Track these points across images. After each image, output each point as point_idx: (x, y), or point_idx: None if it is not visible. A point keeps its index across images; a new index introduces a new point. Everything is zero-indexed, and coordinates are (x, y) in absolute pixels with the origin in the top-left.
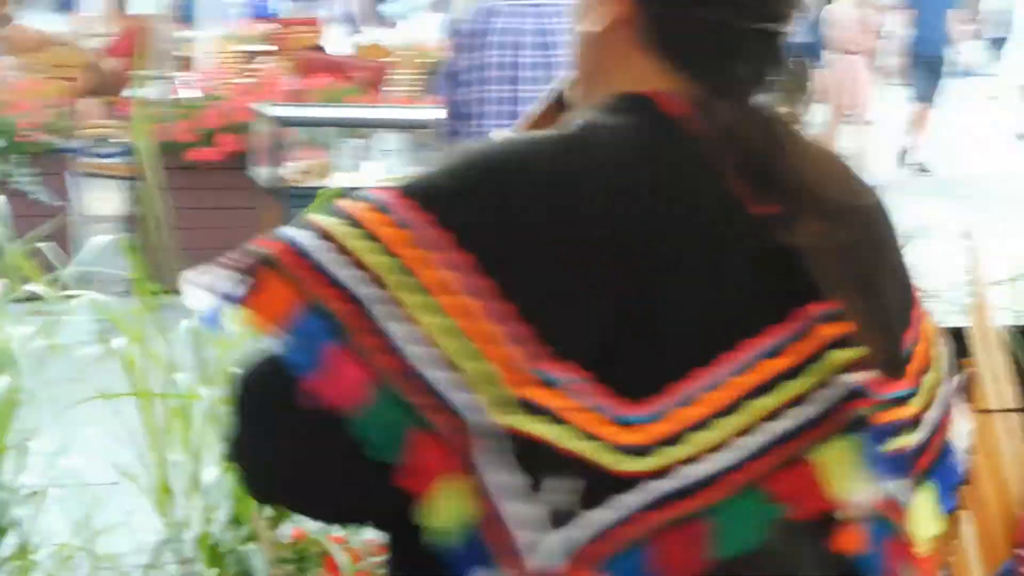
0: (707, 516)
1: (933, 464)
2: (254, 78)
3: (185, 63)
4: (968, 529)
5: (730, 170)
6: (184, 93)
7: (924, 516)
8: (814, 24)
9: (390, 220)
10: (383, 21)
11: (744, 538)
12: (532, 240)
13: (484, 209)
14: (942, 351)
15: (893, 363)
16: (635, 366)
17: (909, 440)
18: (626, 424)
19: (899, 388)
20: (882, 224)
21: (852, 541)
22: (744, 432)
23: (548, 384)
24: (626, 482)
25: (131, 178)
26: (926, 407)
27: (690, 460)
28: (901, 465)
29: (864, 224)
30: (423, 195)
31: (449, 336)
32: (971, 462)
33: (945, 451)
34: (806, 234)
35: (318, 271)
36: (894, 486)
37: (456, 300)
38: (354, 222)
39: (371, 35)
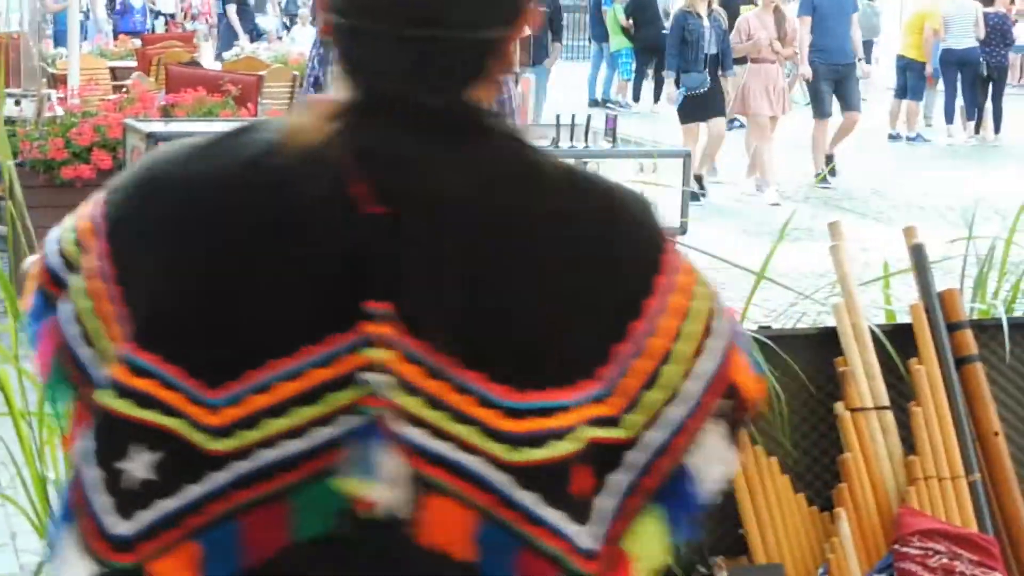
0: (286, 498)
1: (661, 489)
2: (126, 94)
3: (60, 81)
4: (845, 526)
5: (348, 175)
6: (59, 110)
7: (644, 541)
8: (723, 34)
9: (88, 212)
10: (259, 35)
11: (319, 523)
12: (149, 234)
13: (128, 204)
14: (682, 372)
15: (523, 371)
16: (216, 352)
17: (554, 450)
18: (208, 406)
19: (544, 398)
20: (572, 239)
21: (440, 538)
22: (321, 422)
23: (133, 366)
24: (216, 460)
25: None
26: (646, 426)
27: (267, 443)
28: (536, 476)
29: (514, 233)
30: (108, 190)
31: (88, 317)
32: (845, 460)
33: (678, 476)
34: (403, 236)
35: (44, 262)
36: (526, 497)
37: (94, 284)
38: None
39: (246, 49)
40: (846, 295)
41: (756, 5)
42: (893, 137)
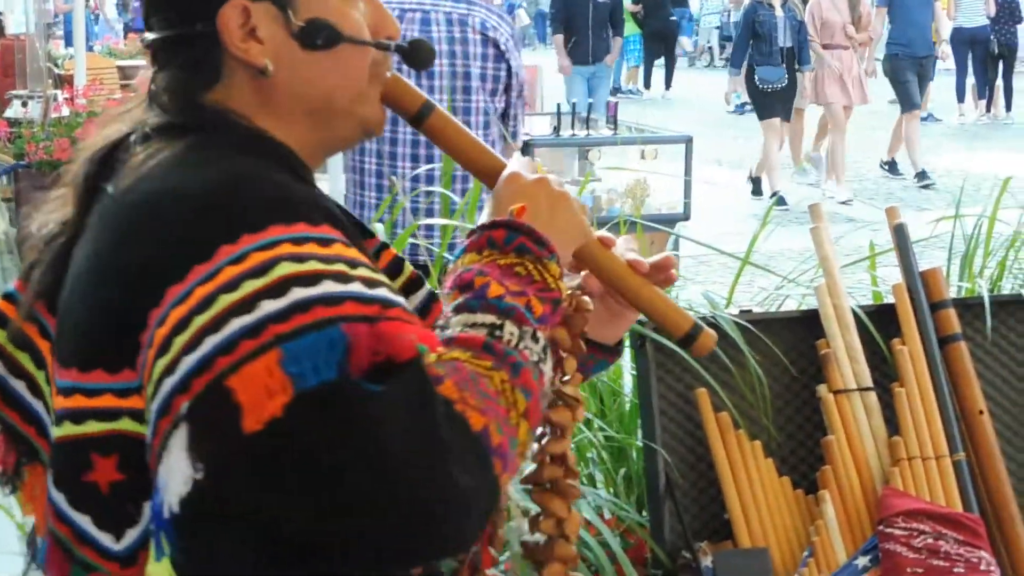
0: None
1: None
2: (131, 93)
3: (66, 81)
4: (829, 509)
5: None
6: (65, 111)
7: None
8: (800, 25)
9: None
10: None
11: None
12: None
13: None
14: (166, 364)
15: (66, 350)
16: None
17: (85, 429)
18: None
19: (84, 379)
20: (108, 229)
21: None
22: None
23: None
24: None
25: (7, 200)
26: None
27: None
28: (59, 455)
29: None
30: None
31: None
32: (828, 443)
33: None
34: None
35: None
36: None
37: None
38: None
39: None
40: (828, 277)
41: None
42: None
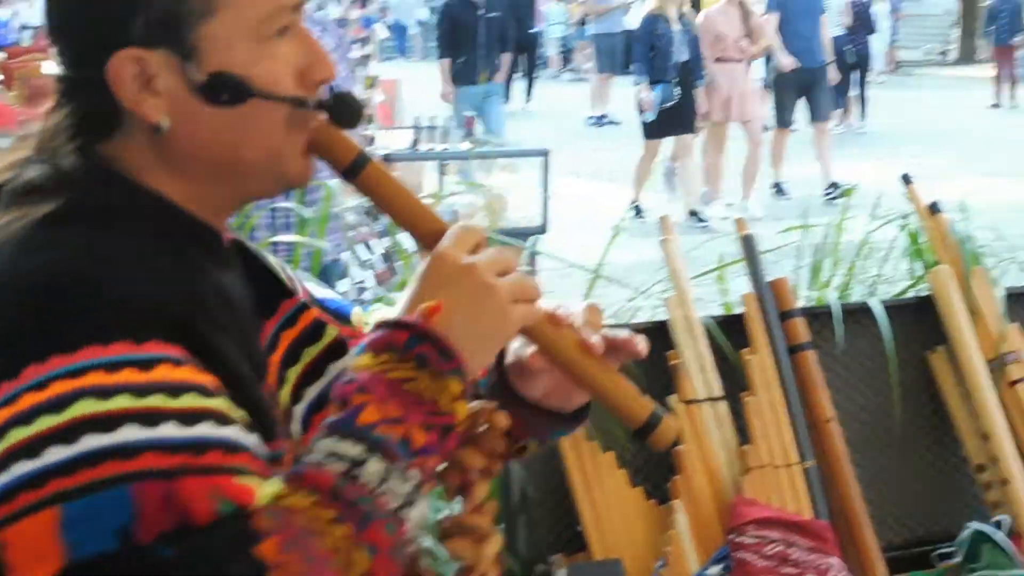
0: None
1: None
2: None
3: None
4: (682, 519)
5: None
6: None
7: None
8: (695, 39)
9: None
10: None
11: None
12: None
13: None
14: None
15: None
16: None
17: None
18: None
19: None
20: None
21: None
22: None
23: None
24: None
25: None
26: None
27: None
28: None
29: None
30: None
31: None
32: (680, 453)
33: None
34: None
35: None
36: None
37: None
38: None
39: None
40: (677, 288)
41: None
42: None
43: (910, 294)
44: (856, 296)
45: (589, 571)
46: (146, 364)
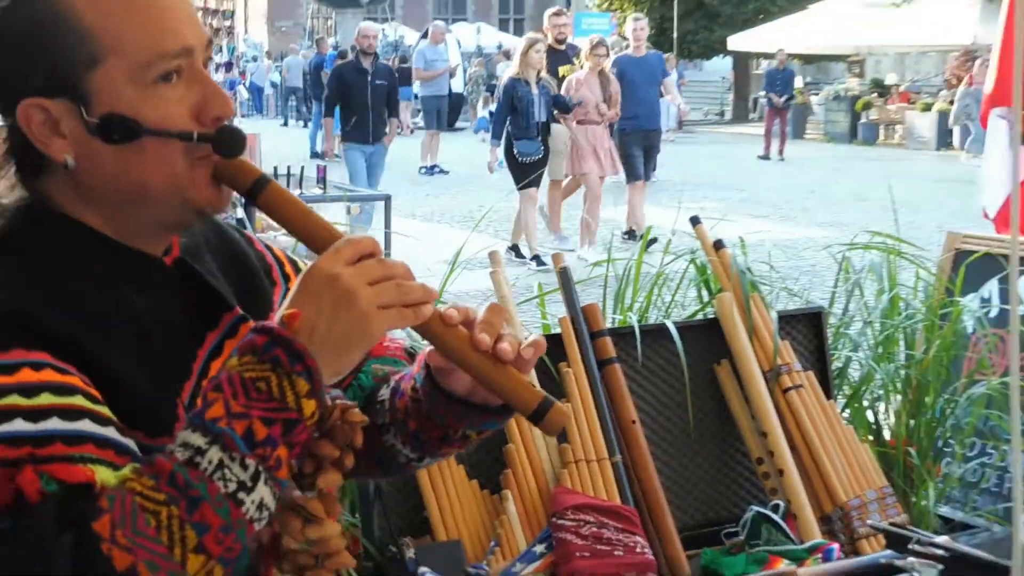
0: None
1: None
2: None
3: None
4: (511, 506)
5: None
6: None
7: None
8: (552, 100)
9: None
10: None
11: None
12: None
13: None
14: None
15: None
16: None
17: None
18: None
19: None
20: None
21: None
22: None
23: None
24: None
25: None
26: None
27: None
28: None
29: None
30: None
31: None
32: (509, 450)
33: None
34: None
35: None
36: None
37: None
38: None
39: None
40: (501, 300)
41: (576, 66)
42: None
43: (699, 317)
44: (654, 318)
45: (434, 551)
46: (8, 369)
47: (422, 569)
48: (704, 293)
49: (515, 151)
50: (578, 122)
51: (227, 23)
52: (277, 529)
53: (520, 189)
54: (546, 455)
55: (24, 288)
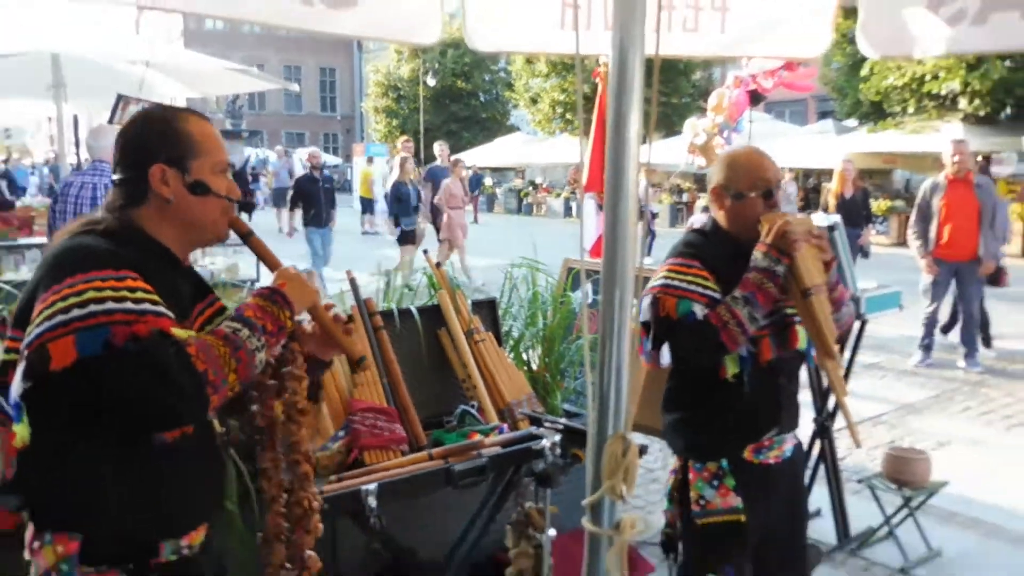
0: None
1: None
2: None
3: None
4: (324, 408)
5: None
6: None
7: None
8: (420, 192)
9: None
10: None
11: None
12: None
13: None
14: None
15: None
16: None
17: None
18: None
19: None
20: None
21: None
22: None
23: None
24: None
25: None
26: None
27: None
28: None
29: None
30: None
31: None
32: (324, 377)
33: None
34: None
35: None
36: None
37: None
38: None
39: None
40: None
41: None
42: None
43: (429, 304)
44: (406, 304)
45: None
46: (120, 278)
47: None
48: (432, 292)
49: (400, 223)
50: (450, 207)
51: None
52: (283, 390)
53: (402, 246)
54: (343, 382)
55: (124, 250)
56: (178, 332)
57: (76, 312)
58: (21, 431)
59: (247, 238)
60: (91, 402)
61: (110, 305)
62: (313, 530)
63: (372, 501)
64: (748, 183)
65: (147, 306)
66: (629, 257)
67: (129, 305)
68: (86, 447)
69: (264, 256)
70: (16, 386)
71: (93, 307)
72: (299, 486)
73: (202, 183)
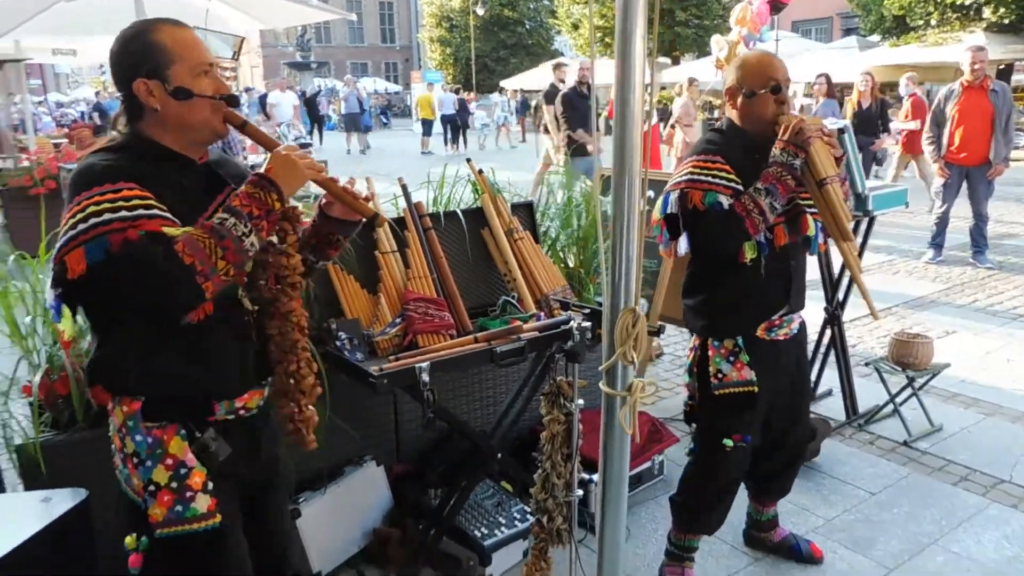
0: None
1: None
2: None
3: (23, 149)
4: (383, 298)
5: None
6: (25, 163)
7: None
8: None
9: None
10: None
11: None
12: None
13: None
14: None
15: None
16: None
17: None
18: None
19: None
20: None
21: None
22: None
23: None
24: None
25: None
26: None
27: None
28: None
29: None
30: None
31: None
32: (380, 272)
33: None
34: None
35: None
36: None
37: None
38: None
39: None
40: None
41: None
42: None
43: (473, 206)
44: (453, 207)
45: (345, 324)
46: (117, 191)
47: (341, 334)
48: (475, 196)
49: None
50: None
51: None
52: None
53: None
54: (399, 273)
55: (126, 163)
56: (169, 231)
57: (81, 227)
58: (65, 325)
59: (242, 128)
60: (110, 300)
61: (107, 216)
62: (308, 389)
63: (425, 376)
64: (759, 82)
65: (140, 211)
66: (636, 161)
67: (123, 213)
68: (126, 329)
69: (262, 141)
70: (49, 293)
71: (93, 220)
72: (291, 351)
73: (183, 88)
